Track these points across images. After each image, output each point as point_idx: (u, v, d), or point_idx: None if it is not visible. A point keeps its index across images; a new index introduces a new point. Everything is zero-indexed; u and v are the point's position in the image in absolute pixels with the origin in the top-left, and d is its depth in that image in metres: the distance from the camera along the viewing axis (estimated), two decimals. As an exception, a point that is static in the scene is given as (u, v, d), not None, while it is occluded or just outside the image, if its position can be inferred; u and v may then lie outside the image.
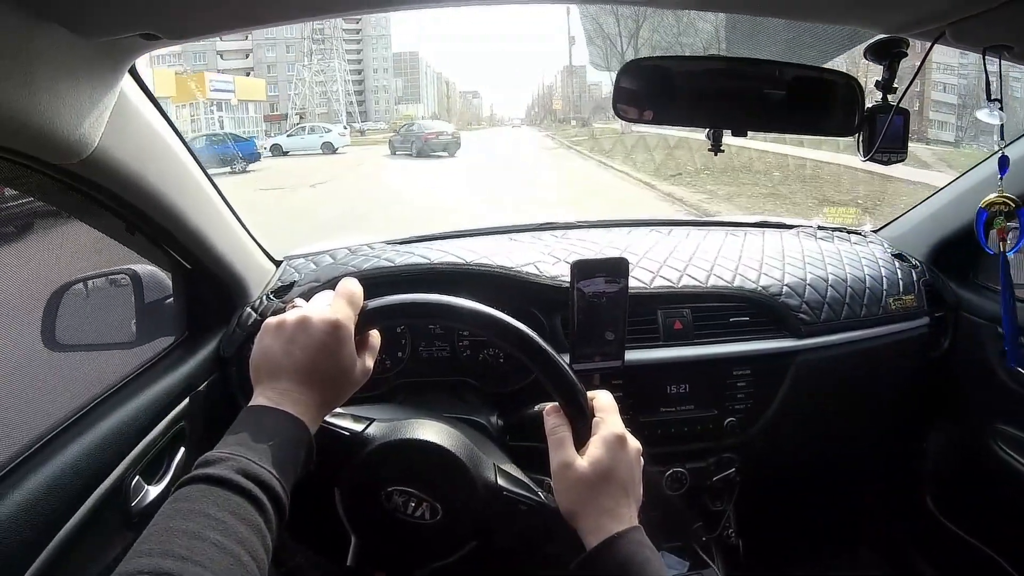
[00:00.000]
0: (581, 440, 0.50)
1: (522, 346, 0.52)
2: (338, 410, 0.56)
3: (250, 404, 0.44)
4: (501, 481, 0.54)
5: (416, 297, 0.51)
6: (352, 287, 0.50)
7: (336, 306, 0.48)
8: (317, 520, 0.56)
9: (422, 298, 0.51)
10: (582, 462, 0.49)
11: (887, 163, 0.69)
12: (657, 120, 0.73)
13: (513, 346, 0.52)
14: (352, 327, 0.48)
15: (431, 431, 0.54)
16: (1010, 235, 0.69)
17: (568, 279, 0.75)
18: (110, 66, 0.55)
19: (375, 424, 0.55)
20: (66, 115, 0.49)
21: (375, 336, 0.52)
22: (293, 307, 0.49)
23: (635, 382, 0.56)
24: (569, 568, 0.47)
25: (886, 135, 0.65)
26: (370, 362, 0.50)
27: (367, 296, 0.52)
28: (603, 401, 0.53)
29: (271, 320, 0.48)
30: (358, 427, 0.54)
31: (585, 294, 0.74)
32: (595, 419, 0.51)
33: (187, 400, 0.78)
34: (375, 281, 0.84)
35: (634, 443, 0.51)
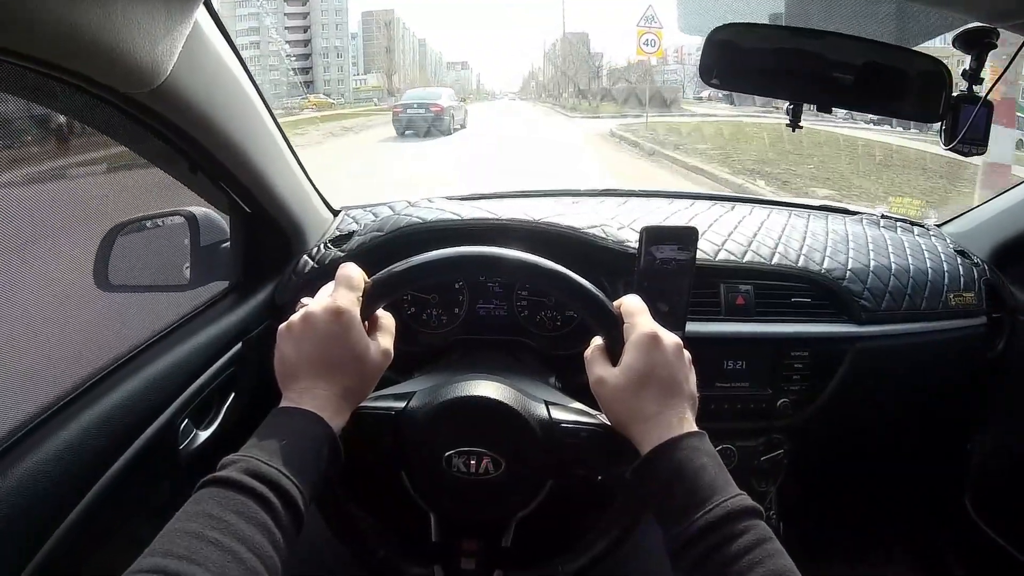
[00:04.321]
0: (616, 352, 0.48)
1: (534, 273, 0.50)
2: (383, 392, 0.55)
3: (275, 408, 0.45)
4: (555, 414, 0.53)
5: (412, 261, 0.50)
6: (350, 272, 0.50)
7: (337, 294, 0.48)
8: (400, 509, 0.55)
9: (417, 260, 0.50)
10: (615, 372, 0.47)
11: (967, 155, 0.67)
12: (739, 90, 0.72)
13: (526, 276, 0.52)
14: (356, 311, 0.47)
15: (469, 387, 0.53)
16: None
17: (634, 244, 0.73)
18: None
19: (416, 396, 0.54)
20: (140, 40, 0.47)
21: (386, 317, 0.52)
22: (301, 306, 0.49)
23: (693, 355, 0.54)
24: (625, 477, 0.46)
25: (970, 126, 0.63)
26: (386, 342, 0.50)
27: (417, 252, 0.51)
28: (630, 304, 0.50)
29: (281, 326, 0.48)
30: (400, 404, 0.53)
31: (655, 260, 0.73)
32: (625, 325, 0.49)
33: (239, 345, 0.77)
34: (443, 233, 0.83)
35: (670, 339, 0.48)
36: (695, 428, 0.45)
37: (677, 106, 17.32)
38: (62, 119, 0.71)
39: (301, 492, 0.40)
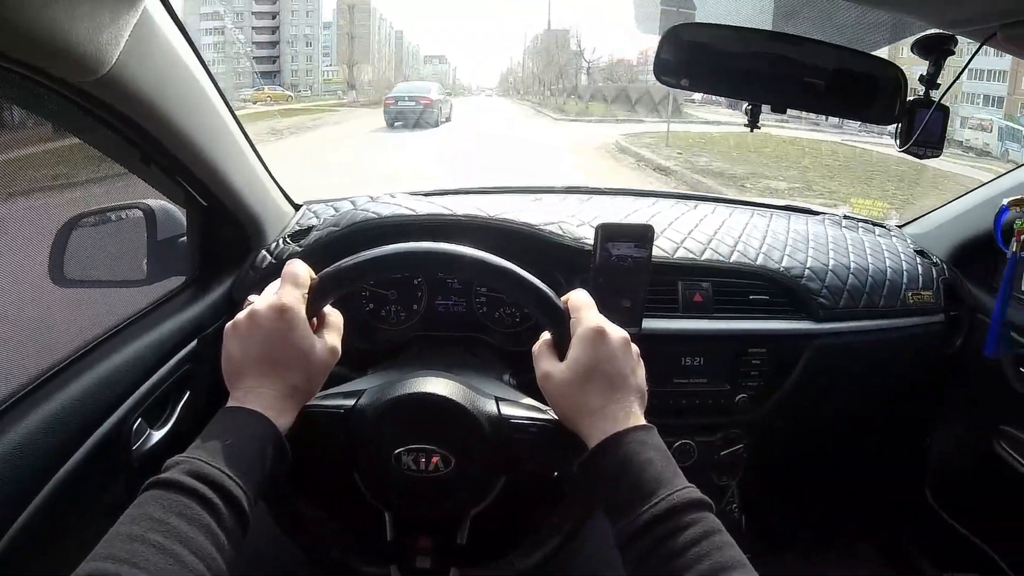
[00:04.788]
0: (563, 347, 0.48)
1: (480, 268, 0.50)
2: (333, 390, 0.55)
3: (221, 408, 0.45)
4: (505, 410, 0.53)
5: (357, 258, 0.50)
6: (295, 269, 0.49)
7: (282, 291, 0.48)
8: (354, 507, 0.55)
9: (362, 257, 0.50)
10: (560, 367, 0.47)
11: (922, 157, 0.69)
12: (696, 89, 0.72)
13: (473, 271, 0.51)
14: (301, 308, 0.47)
15: (418, 383, 0.52)
16: (1027, 239, 0.69)
17: (591, 241, 0.74)
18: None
19: (366, 394, 0.53)
20: (83, 28, 0.46)
21: (334, 314, 0.52)
22: (248, 304, 0.49)
23: (651, 351, 0.55)
24: (573, 470, 0.46)
25: (924, 129, 0.65)
26: (334, 340, 0.50)
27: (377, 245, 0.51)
28: (576, 299, 0.50)
29: (227, 325, 0.48)
30: (350, 402, 0.53)
31: (610, 257, 0.73)
32: (572, 320, 0.49)
33: (195, 342, 0.76)
34: (398, 229, 0.83)
35: (617, 333, 0.48)
36: (643, 422, 0.45)
37: (677, 109, 13.86)
38: (5, 108, 0.69)
39: (245, 492, 0.40)
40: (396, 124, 11.32)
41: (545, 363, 0.48)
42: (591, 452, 0.44)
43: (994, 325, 0.69)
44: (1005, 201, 0.85)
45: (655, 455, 0.43)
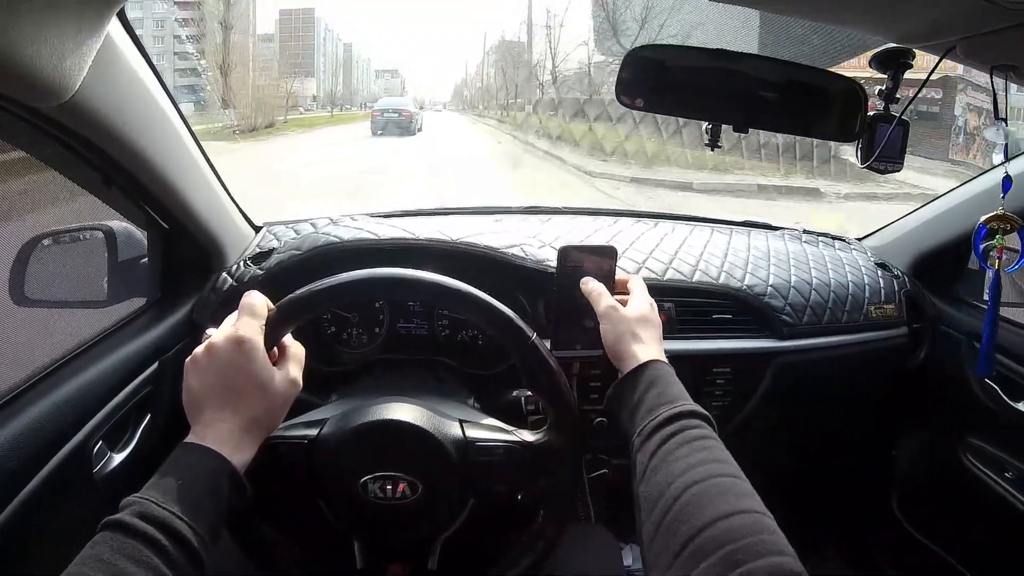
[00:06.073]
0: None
1: (437, 293, 0.51)
2: (296, 420, 0.55)
3: (179, 443, 0.46)
4: (470, 433, 0.53)
5: (315, 287, 0.50)
6: (252, 300, 0.50)
7: (239, 323, 0.48)
8: (324, 536, 0.55)
9: (320, 286, 0.50)
10: (625, 305, 0.60)
11: (883, 172, 0.69)
12: (657, 110, 0.73)
13: (431, 296, 0.52)
14: (259, 340, 0.48)
15: (382, 410, 0.52)
16: (1006, 254, 0.69)
17: (554, 263, 0.74)
18: (98, 6, 0.52)
19: (329, 422, 0.53)
20: (48, 55, 0.46)
21: (295, 345, 0.52)
22: (206, 337, 0.49)
23: (614, 372, 0.56)
24: (611, 387, 0.55)
25: (886, 144, 0.65)
26: (294, 371, 0.50)
27: (343, 270, 0.52)
28: (635, 284, 0.64)
29: (187, 359, 0.48)
30: (313, 432, 0.53)
31: (571, 280, 0.74)
32: (629, 296, 0.62)
33: (156, 365, 0.76)
34: (359, 253, 0.83)
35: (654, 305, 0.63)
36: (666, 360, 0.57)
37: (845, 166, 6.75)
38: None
39: (196, 532, 0.41)
40: (379, 132, 13.30)
41: (611, 299, 0.60)
42: (637, 367, 0.54)
43: (985, 346, 0.69)
44: (982, 219, 0.84)
45: (674, 380, 0.54)
